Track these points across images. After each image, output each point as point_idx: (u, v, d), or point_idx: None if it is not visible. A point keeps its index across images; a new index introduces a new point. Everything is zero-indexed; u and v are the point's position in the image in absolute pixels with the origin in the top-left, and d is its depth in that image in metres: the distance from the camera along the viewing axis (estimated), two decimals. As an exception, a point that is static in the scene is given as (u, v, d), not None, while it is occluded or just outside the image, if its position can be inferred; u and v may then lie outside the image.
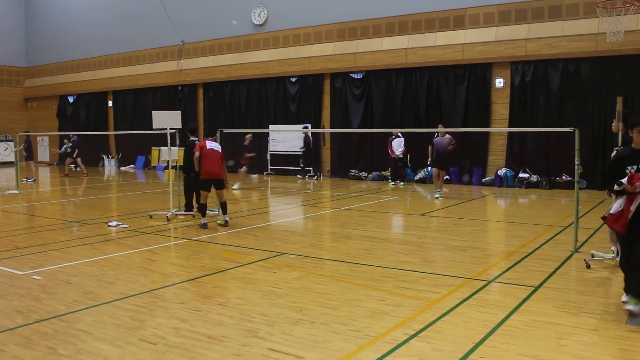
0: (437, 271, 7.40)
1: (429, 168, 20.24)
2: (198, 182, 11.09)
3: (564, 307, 5.74)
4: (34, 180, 21.87)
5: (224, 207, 11.02)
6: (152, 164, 13.88)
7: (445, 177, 17.79)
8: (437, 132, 15.65)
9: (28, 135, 23.32)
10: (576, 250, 8.44)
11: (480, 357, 4.45)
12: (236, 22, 25.16)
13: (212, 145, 11.04)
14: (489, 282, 6.80)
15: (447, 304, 5.87)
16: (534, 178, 18.30)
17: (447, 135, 15.40)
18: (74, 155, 23.83)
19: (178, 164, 12.84)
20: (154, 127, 11.96)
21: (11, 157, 27.22)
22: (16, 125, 32.01)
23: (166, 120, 12.04)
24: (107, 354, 4.58)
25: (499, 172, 18.98)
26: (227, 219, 11.05)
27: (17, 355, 4.58)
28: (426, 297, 6.15)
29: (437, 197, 15.58)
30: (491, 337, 4.87)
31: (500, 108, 19.36)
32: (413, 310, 5.68)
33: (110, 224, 11.28)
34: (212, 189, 10.99)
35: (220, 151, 11.11)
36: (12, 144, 28.62)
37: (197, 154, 10.88)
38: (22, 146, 19.87)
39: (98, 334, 5.06)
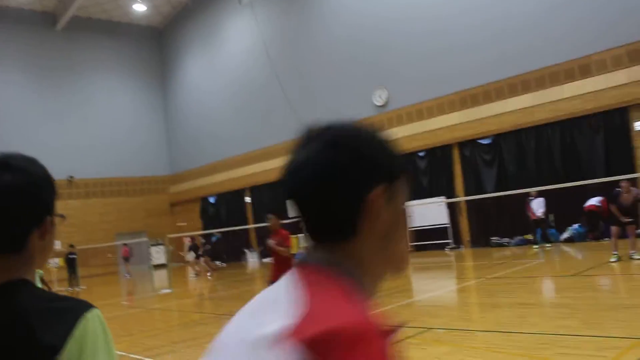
0: (600, 333, 6.79)
1: (576, 225, 19.08)
2: None
3: None
4: (196, 275, 23.30)
5: None
6: (292, 253, 14.16)
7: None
8: (620, 188, 13.13)
9: (193, 238, 25.82)
10: None
11: None
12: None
13: None
14: (663, 341, 6.14)
15: (617, 367, 5.34)
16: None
17: (634, 189, 13.16)
18: (201, 252, 25.05)
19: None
20: (289, 216, 12.33)
21: (162, 260, 28.97)
22: (164, 229, 34.24)
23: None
24: None
25: (655, 222, 17.45)
26: None
27: None
28: (592, 362, 5.65)
29: (612, 261, 12.94)
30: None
31: (645, 152, 18.04)
32: (579, 377, 5.22)
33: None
34: None
35: None
36: (162, 247, 30.53)
37: None
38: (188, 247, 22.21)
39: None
